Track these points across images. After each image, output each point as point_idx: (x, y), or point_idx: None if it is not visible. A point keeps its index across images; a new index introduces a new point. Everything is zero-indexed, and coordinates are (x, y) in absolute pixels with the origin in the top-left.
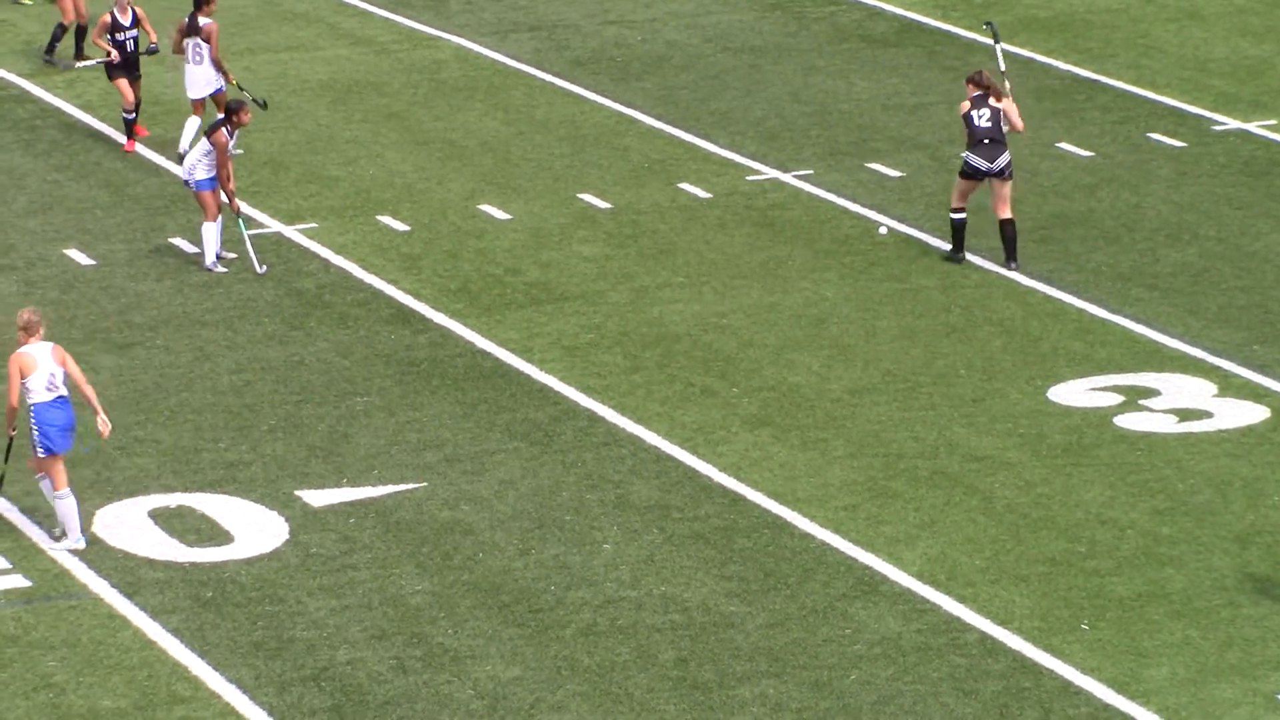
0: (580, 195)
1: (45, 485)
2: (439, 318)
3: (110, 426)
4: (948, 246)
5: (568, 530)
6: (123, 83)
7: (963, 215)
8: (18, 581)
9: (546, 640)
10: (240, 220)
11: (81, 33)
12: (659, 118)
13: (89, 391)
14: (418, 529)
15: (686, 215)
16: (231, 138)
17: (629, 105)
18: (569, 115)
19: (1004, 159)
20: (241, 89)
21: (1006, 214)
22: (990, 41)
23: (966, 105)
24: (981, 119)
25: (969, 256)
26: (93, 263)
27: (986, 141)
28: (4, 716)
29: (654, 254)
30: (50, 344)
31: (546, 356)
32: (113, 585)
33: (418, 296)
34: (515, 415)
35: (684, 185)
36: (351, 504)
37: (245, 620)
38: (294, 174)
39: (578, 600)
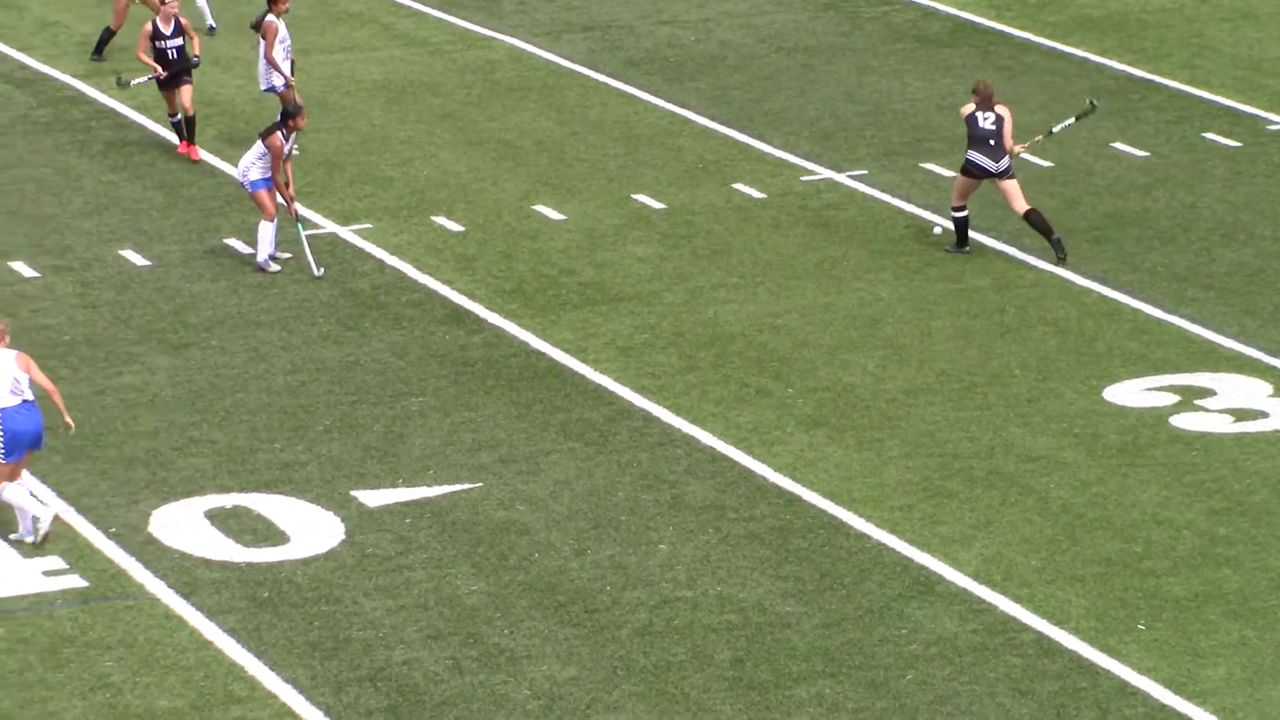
0: (634, 196)
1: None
2: (494, 318)
3: (73, 428)
4: (1001, 246)
5: (623, 530)
6: (169, 93)
7: (965, 213)
8: (74, 581)
9: (602, 640)
10: (300, 223)
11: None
12: (713, 118)
13: (58, 399)
14: (473, 529)
15: (741, 215)
16: (287, 141)
17: (683, 105)
18: (623, 116)
19: (1006, 160)
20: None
21: (1024, 205)
22: (1073, 119)
23: (970, 108)
24: (985, 121)
25: (1026, 258)
26: (148, 263)
27: (991, 143)
28: (61, 716)
29: (708, 254)
30: (15, 351)
31: (601, 357)
32: (169, 585)
33: (472, 297)
34: (570, 415)
35: (738, 185)
36: (407, 504)
37: (301, 620)
38: (349, 174)
39: (633, 600)
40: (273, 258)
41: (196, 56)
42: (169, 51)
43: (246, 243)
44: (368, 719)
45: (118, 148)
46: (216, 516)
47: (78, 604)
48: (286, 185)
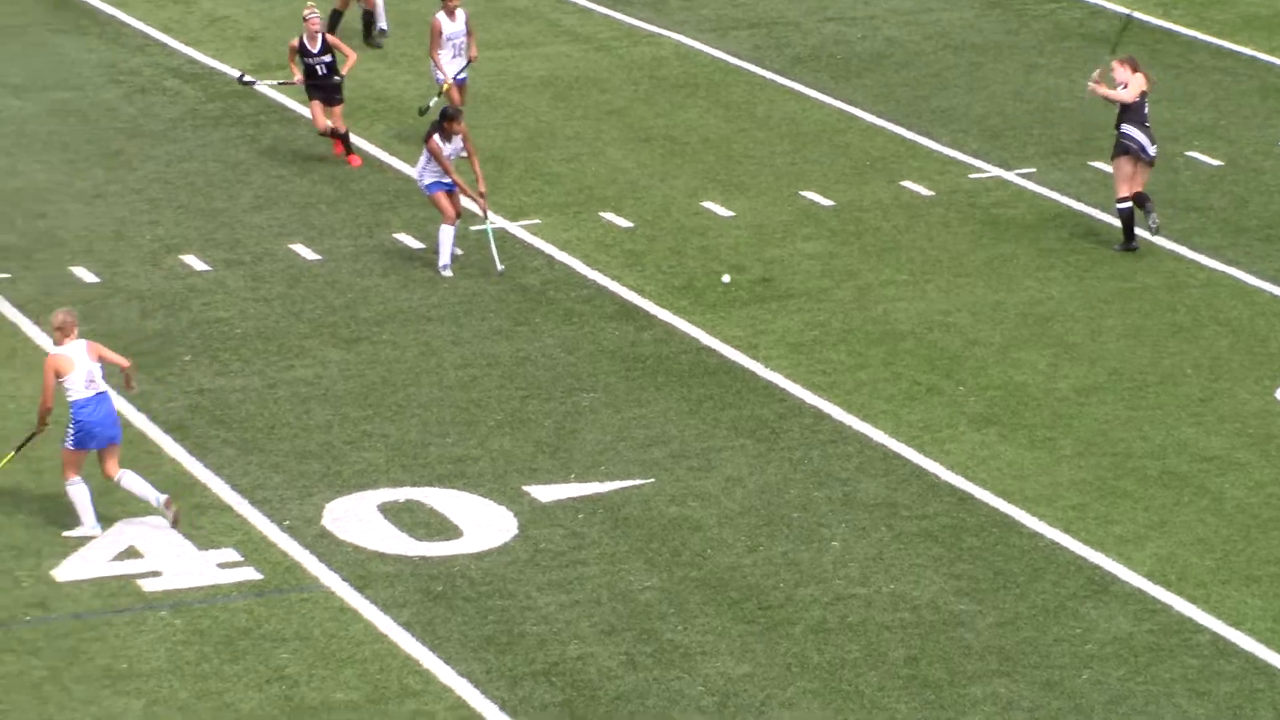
0: (803, 192)
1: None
2: (663, 314)
3: (137, 390)
4: (1171, 245)
5: (795, 527)
6: (316, 105)
7: (1130, 204)
8: (249, 574)
9: (776, 637)
10: (487, 220)
11: (369, 18)
12: (880, 115)
13: (126, 363)
14: (646, 525)
15: (909, 213)
16: (447, 142)
17: (849, 102)
18: (790, 113)
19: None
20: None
21: (1140, 187)
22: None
23: (1145, 86)
24: (1147, 103)
25: (1197, 257)
26: (318, 258)
27: (1149, 125)
28: (238, 708)
29: (877, 251)
30: (85, 341)
31: (771, 354)
32: (343, 578)
33: (642, 293)
34: (741, 412)
35: (906, 183)
36: (579, 499)
37: (476, 615)
38: (517, 170)
39: (807, 597)
40: (455, 258)
41: (340, 76)
42: (317, 68)
43: (416, 238)
44: (542, 713)
45: (287, 142)
46: (389, 510)
47: (253, 596)
48: (477, 182)
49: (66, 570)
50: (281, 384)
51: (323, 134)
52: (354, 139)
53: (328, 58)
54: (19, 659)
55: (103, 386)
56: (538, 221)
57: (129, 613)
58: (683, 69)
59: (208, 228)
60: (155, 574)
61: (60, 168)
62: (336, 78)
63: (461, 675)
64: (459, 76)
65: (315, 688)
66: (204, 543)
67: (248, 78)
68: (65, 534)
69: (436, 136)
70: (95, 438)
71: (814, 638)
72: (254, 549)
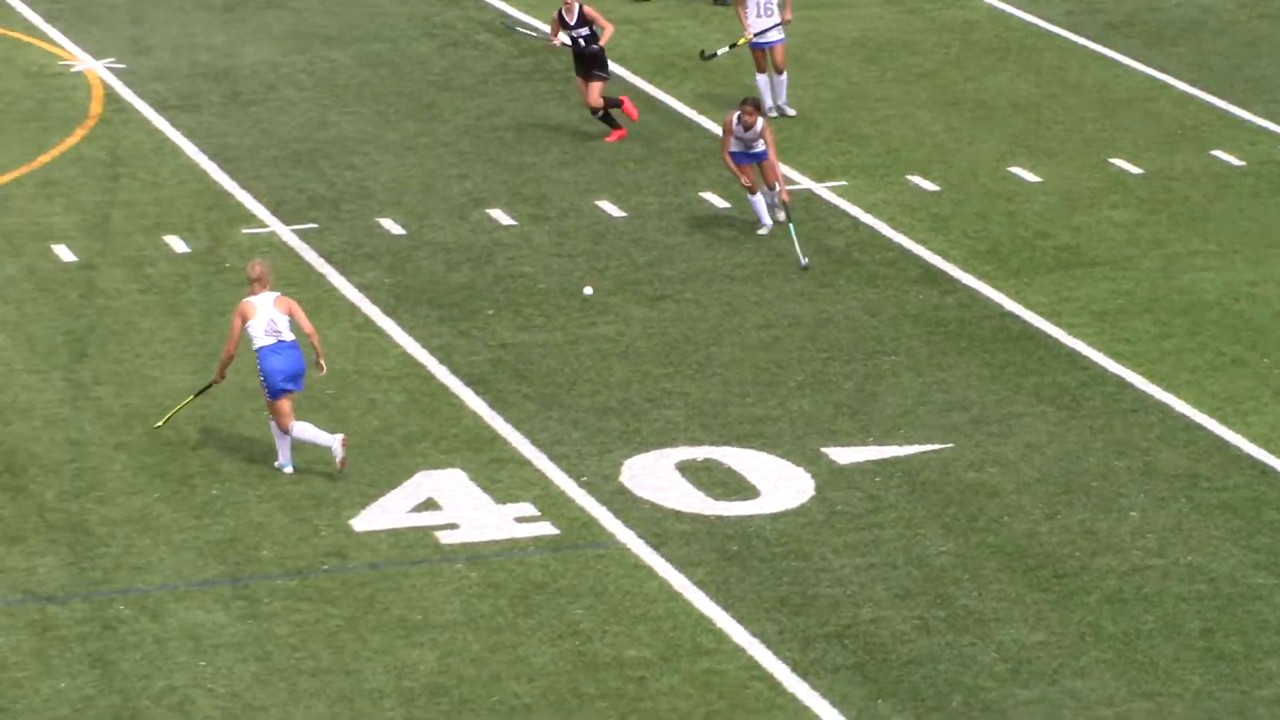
0: (1112, 160)
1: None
2: (967, 279)
3: (325, 371)
4: None
5: (1094, 496)
6: (580, 81)
7: None
8: (546, 529)
9: (1071, 606)
10: (788, 213)
11: None
12: (1192, 83)
13: (316, 342)
14: (943, 489)
15: (1219, 183)
16: (743, 129)
17: (1162, 70)
18: (1101, 79)
19: None
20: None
21: None
22: None
23: None
24: None
25: None
26: (624, 215)
27: None
28: (531, 661)
29: (1185, 221)
30: (275, 294)
31: (1075, 321)
32: (639, 536)
33: (946, 257)
34: (1043, 379)
35: (1217, 152)
36: (877, 462)
37: (770, 575)
38: (825, 132)
39: (1103, 567)
40: (771, 223)
41: (598, 46)
42: (578, 40)
43: (722, 197)
44: (833, 676)
45: None
46: (687, 469)
47: (549, 551)
48: (775, 181)
49: (365, 520)
50: (583, 340)
51: (594, 112)
52: (663, 97)
53: (585, 29)
54: (316, 608)
55: (287, 337)
56: (844, 183)
57: (425, 564)
58: (994, 33)
59: (515, 182)
60: (452, 526)
61: (371, 119)
62: (595, 47)
63: (754, 635)
64: (768, 40)
65: (608, 644)
66: (502, 496)
67: (510, 21)
68: (275, 465)
69: (735, 116)
70: (276, 384)
71: (1109, 608)
72: (551, 504)
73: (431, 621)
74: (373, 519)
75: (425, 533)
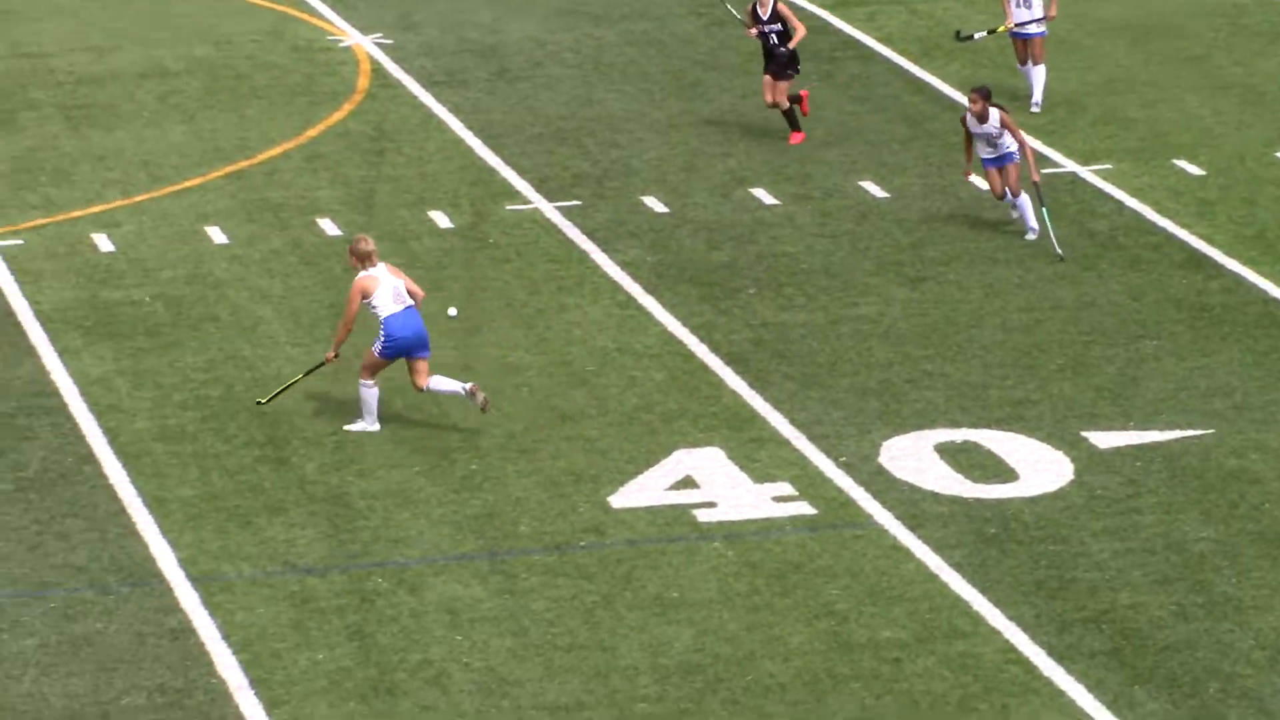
0: None
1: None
2: (1232, 264)
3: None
4: None
5: None
6: (766, 79)
7: None
8: (803, 509)
9: None
10: (1042, 202)
11: None
12: None
13: (421, 295)
14: (1204, 475)
15: None
16: (978, 122)
17: None
18: None
19: None
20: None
21: None
22: None
23: None
24: None
25: None
26: (887, 195)
27: None
28: (786, 641)
29: None
30: (386, 264)
31: None
32: (896, 517)
33: (1211, 242)
34: None
35: None
36: (1138, 447)
37: (1028, 559)
38: (1091, 115)
39: None
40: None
41: (784, 49)
42: (769, 35)
43: (985, 179)
44: (1090, 660)
45: (861, 79)
46: (946, 451)
47: (806, 531)
48: (1029, 168)
49: (622, 497)
50: (845, 320)
51: (770, 106)
52: (929, 78)
53: (777, 26)
54: (573, 583)
55: (410, 301)
56: (1109, 167)
57: (682, 542)
58: (1264, 17)
59: (778, 162)
60: (710, 505)
61: (636, 97)
62: (784, 49)
63: (1010, 619)
64: (1027, 33)
65: (864, 624)
66: (760, 476)
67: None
68: (346, 427)
69: (968, 115)
70: (404, 350)
71: None
72: (809, 484)
73: (687, 599)
74: (631, 496)
75: (683, 511)
